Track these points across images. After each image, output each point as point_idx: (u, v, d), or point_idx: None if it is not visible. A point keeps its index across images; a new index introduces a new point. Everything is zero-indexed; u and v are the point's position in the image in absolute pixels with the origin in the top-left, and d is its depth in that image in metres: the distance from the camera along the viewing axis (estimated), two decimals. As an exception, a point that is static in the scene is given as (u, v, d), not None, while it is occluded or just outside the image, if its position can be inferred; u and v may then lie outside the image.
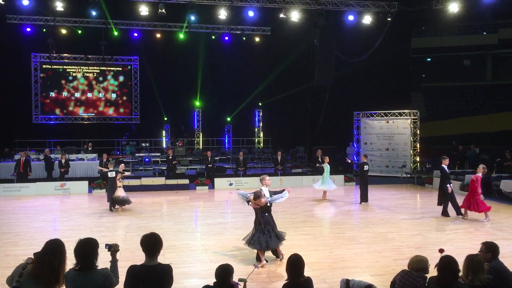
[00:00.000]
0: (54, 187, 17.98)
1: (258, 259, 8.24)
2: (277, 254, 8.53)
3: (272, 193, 8.61)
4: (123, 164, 15.50)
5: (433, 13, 21.23)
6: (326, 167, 16.05)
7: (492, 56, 34.72)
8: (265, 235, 8.13)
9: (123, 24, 25.46)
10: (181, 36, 25.92)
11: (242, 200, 8.65)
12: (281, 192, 8.64)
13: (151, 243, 4.19)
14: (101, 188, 17.88)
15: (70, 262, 3.98)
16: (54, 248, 3.86)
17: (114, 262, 4.37)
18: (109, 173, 14.52)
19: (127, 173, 15.47)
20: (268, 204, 8.36)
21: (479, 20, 31.86)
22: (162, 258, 8.32)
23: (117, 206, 14.11)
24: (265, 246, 8.14)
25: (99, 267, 4.00)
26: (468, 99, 33.36)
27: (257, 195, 8.22)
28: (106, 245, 4.35)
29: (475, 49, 33.93)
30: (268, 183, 8.75)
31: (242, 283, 4.55)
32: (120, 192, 13.92)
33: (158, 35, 26.23)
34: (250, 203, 8.39)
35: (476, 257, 4.60)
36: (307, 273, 4.62)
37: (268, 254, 8.52)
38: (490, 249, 5.10)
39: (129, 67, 28.11)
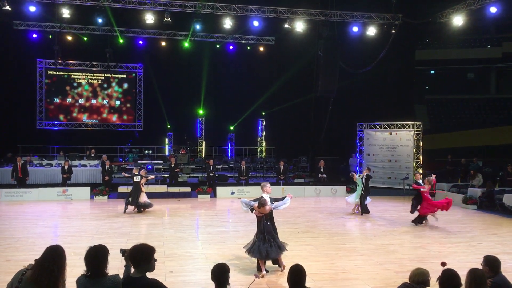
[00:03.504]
0: (56, 193, 17.99)
1: (259, 268, 8.20)
2: (278, 263, 8.45)
3: (273, 200, 8.55)
4: (144, 169, 16.19)
5: (437, 26, 21.30)
6: (359, 180, 15.28)
7: (496, 69, 34.74)
8: (265, 244, 8.04)
9: (129, 32, 25.65)
10: (186, 44, 26.10)
11: (245, 208, 8.61)
12: (282, 199, 8.56)
13: (138, 257, 4.07)
14: (103, 195, 17.89)
15: (72, 268, 3.98)
16: (54, 255, 3.86)
17: (127, 267, 4.34)
18: (134, 177, 15.13)
19: (150, 177, 16.13)
20: (271, 212, 8.31)
21: (483, 34, 31.93)
22: (163, 266, 8.35)
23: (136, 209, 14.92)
24: (265, 255, 8.05)
25: (109, 274, 4.00)
26: (472, 112, 33.32)
27: (262, 203, 8.18)
28: (121, 249, 4.35)
29: (479, 62, 33.95)
30: (269, 190, 8.66)
31: None
32: (143, 197, 14.97)
33: (163, 43, 26.39)
34: (254, 211, 8.34)
35: (479, 271, 4.57)
36: (308, 284, 4.59)
37: (269, 264, 8.49)
38: (489, 262, 5.08)
39: (134, 74, 28.24)
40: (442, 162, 23.42)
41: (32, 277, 3.76)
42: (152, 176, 17.16)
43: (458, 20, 19.34)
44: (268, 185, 8.74)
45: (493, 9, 17.91)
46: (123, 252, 4.32)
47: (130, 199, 14.81)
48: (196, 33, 24.93)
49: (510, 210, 15.40)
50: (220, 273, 4.26)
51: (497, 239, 11.56)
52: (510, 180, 18.10)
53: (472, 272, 4.50)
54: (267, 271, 8.21)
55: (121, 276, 4.15)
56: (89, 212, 15.30)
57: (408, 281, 4.92)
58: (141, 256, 4.03)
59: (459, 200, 17.31)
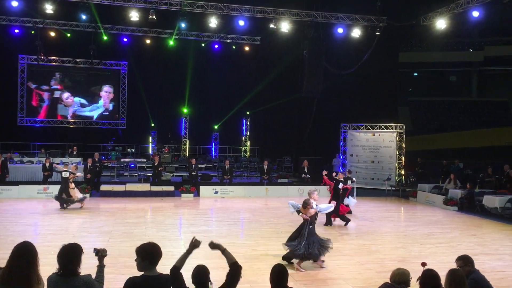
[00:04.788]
0: (37, 191, 17.74)
1: (289, 261, 8.60)
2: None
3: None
4: (75, 165, 16.21)
5: (421, 29, 21.53)
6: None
7: (477, 72, 35.29)
8: (310, 247, 8.40)
9: (113, 29, 25.37)
10: (171, 42, 25.93)
11: (292, 210, 9.22)
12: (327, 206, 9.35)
13: (155, 253, 4.09)
14: (85, 193, 17.68)
15: (53, 267, 3.92)
16: (22, 251, 3.76)
17: (101, 267, 4.31)
18: (63, 173, 15.02)
19: (78, 174, 15.80)
20: (316, 217, 8.92)
21: (466, 37, 32.42)
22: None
23: (73, 205, 14.95)
24: (307, 256, 8.43)
25: (82, 274, 3.93)
26: (453, 114, 33.81)
27: (306, 203, 8.71)
28: (94, 249, 4.29)
29: (461, 66, 34.49)
30: (315, 198, 9.25)
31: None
32: (76, 193, 14.98)
33: (148, 41, 26.17)
34: (300, 213, 8.81)
35: (458, 272, 4.63)
36: (290, 284, 4.61)
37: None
38: (467, 261, 5.18)
39: (118, 72, 27.98)
40: (423, 164, 23.70)
41: (2, 277, 3.66)
42: (80, 174, 16.64)
43: (441, 23, 19.58)
44: (316, 192, 9.51)
45: (475, 13, 18.16)
46: (97, 252, 4.27)
47: (64, 195, 14.87)
48: (181, 32, 24.78)
49: (490, 212, 15.65)
50: (199, 277, 4.22)
51: (476, 240, 11.75)
52: (490, 182, 18.40)
53: (452, 273, 4.55)
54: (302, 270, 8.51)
55: (94, 276, 4.11)
56: (70, 210, 15.10)
57: (389, 281, 4.98)
58: (157, 253, 4.08)
59: (440, 201, 17.55)
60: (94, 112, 27.73)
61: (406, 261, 9.13)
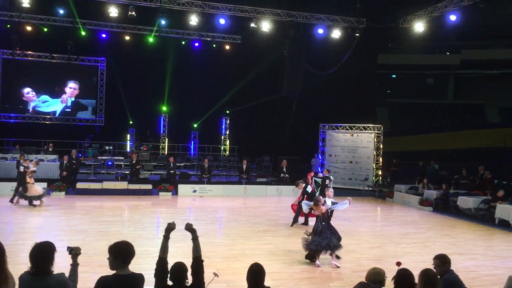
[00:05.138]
0: (10, 188, 17.30)
1: (311, 259, 8.97)
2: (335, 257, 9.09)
3: (333, 203, 9.62)
4: (35, 160, 16.09)
5: (399, 31, 21.79)
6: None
7: (454, 76, 35.92)
8: (322, 241, 8.71)
9: (91, 24, 24.96)
10: (151, 40, 25.65)
11: (305, 207, 10.02)
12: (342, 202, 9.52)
13: (128, 251, 4.02)
14: (60, 191, 17.43)
15: (25, 266, 3.84)
16: None
17: (74, 265, 4.25)
18: (20, 167, 14.88)
19: (32, 169, 15.25)
20: (329, 214, 9.35)
21: (443, 41, 32.93)
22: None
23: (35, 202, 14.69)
24: (319, 248, 8.73)
25: (55, 272, 3.86)
26: (430, 116, 34.35)
27: (317, 200, 9.18)
28: (68, 247, 4.23)
29: (438, 68, 35.05)
30: (330, 195, 9.98)
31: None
32: (33, 189, 14.63)
33: (127, 38, 25.80)
34: (313, 210, 9.39)
35: (431, 271, 4.70)
36: (267, 283, 4.61)
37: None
38: (445, 260, 5.27)
39: (96, 68, 27.58)
40: (400, 164, 24.03)
41: None
42: (34, 169, 15.86)
43: (419, 27, 19.86)
44: (331, 189, 10.31)
45: (452, 17, 18.48)
46: (70, 250, 4.21)
47: (21, 190, 14.69)
48: (161, 29, 24.56)
49: (464, 212, 15.96)
50: (177, 273, 4.22)
51: (450, 240, 11.97)
52: (464, 183, 18.75)
53: (425, 273, 4.62)
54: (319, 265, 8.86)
55: (67, 275, 4.05)
56: (45, 208, 14.83)
57: (364, 280, 5.03)
58: (130, 251, 4.02)
59: (415, 201, 17.83)
60: (55, 107, 27.15)
61: (382, 260, 9.24)
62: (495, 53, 32.27)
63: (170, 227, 4.49)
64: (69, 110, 27.36)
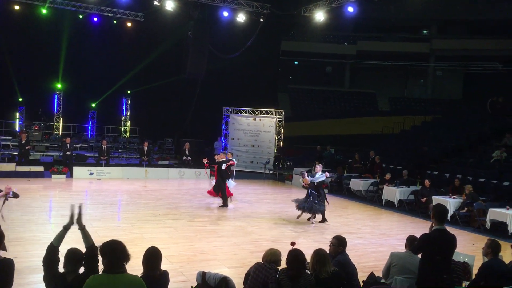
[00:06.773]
0: None
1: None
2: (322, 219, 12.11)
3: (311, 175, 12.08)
4: None
5: (301, 20, 22.42)
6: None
7: (350, 65, 37.90)
8: (311, 204, 11.63)
9: (-26, -10, 22.50)
10: (44, 11, 23.67)
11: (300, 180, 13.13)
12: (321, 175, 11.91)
13: None
14: None
15: None
16: None
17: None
18: None
19: None
20: (315, 184, 11.80)
21: (341, 31, 34.49)
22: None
23: None
24: (309, 210, 11.77)
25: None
26: (328, 103, 35.99)
27: (302, 174, 12.25)
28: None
29: (336, 58, 36.69)
30: (318, 170, 12.05)
31: None
32: None
33: (17, 7, 23.56)
34: (303, 182, 12.18)
35: (322, 251, 4.98)
36: (165, 266, 4.56)
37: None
38: (342, 243, 5.59)
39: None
40: (300, 148, 24.95)
41: None
42: None
43: (320, 16, 20.58)
44: (318, 166, 12.21)
45: (350, 9, 19.42)
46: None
47: None
48: (56, 0, 22.83)
49: (355, 194, 17.08)
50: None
51: (342, 220, 12.75)
52: (356, 167, 19.99)
53: (317, 253, 4.93)
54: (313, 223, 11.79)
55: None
56: None
57: (261, 261, 5.17)
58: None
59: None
60: None
61: (279, 241, 9.56)
62: (388, 45, 34.52)
63: (79, 223, 4.43)
64: None
